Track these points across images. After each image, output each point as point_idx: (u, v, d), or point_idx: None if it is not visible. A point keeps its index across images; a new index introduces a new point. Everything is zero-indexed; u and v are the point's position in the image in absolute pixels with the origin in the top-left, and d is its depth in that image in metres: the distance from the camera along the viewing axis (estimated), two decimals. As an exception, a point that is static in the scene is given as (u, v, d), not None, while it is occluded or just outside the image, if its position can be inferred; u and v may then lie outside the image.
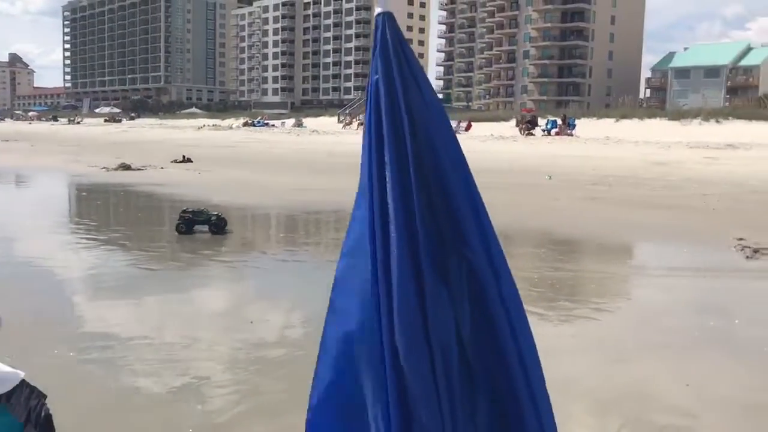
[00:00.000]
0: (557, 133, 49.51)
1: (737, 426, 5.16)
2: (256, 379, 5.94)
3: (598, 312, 8.10)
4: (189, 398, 5.44)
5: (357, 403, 1.74)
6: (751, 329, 7.55)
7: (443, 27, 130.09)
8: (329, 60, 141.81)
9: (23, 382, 1.59)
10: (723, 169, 24.77)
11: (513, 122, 57.76)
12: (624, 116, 55.84)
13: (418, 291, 1.67)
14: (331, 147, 40.00)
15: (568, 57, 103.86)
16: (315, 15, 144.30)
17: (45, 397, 1.61)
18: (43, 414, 1.58)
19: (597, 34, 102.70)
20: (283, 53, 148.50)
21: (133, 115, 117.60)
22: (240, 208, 16.73)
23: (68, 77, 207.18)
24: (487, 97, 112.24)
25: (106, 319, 7.68)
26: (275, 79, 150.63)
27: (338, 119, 79.15)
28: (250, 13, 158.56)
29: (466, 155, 1.78)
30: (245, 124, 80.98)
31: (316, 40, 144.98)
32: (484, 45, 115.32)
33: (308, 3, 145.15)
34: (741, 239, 12.05)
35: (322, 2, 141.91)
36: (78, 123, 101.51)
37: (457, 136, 1.84)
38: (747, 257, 11.01)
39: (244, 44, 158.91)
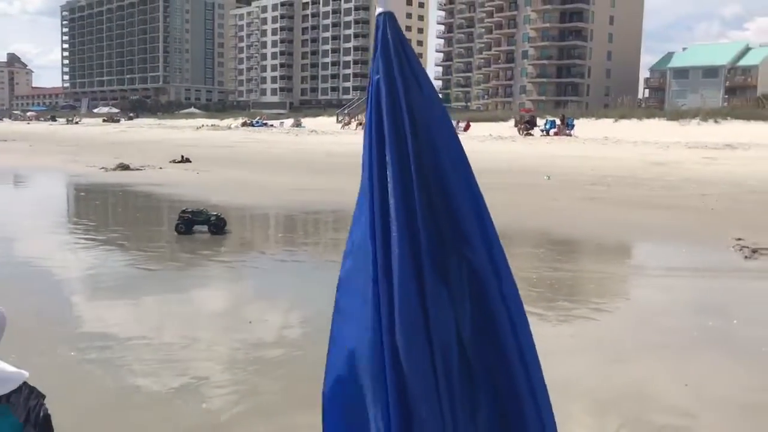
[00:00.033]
0: (556, 134, 49.53)
1: (736, 426, 5.16)
2: (255, 379, 5.94)
3: (597, 312, 8.10)
4: (188, 398, 5.44)
5: (358, 402, 1.75)
6: (749, 329, 7.55)
7: (442, 27, 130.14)
8: (328, 60, 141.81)
9: (23, 382, 1.59)
10: (721, 169, 24.78)
11: (512, 122, 57.78)
12: (623, 116, 55.88)
13: (419, 291, 1.67)
14: (330, 147, 39.99)
15: (566, 57, 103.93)
16: (314, 15, 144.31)
17: (44, 397, 1.61)
18: (42, 414, 1.59)
19: (596, 34, 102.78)
20: (282, 53, 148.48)
21: (131, 115, 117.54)
22: (239, 208, 16.72)
23: (66, 77, 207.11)
24: (486, 97, 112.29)
25: (104, 319, 7.68)
26: (274, 79, 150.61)
27: (337, 119, 79.15)
28: (249, 13, 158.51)
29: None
30: (244, 124, 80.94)
31: (314, 40, 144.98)
32: (483, 45, 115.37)
33: (307, 3, 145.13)
34: (739, 239, 12.05)
35: (321, 2, 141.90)
36: (76, 123, 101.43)
37: (456, 136, 1.84)
38: (745, 257, 11.02)
39: (243, 44, 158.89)
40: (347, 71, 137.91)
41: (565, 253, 12.10)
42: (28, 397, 1.58)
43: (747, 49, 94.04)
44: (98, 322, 7.57)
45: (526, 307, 1.83)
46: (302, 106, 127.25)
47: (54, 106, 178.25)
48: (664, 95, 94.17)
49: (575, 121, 51.70)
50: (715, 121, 48.99)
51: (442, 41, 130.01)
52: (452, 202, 1.73)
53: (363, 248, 1.75)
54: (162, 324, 7.62)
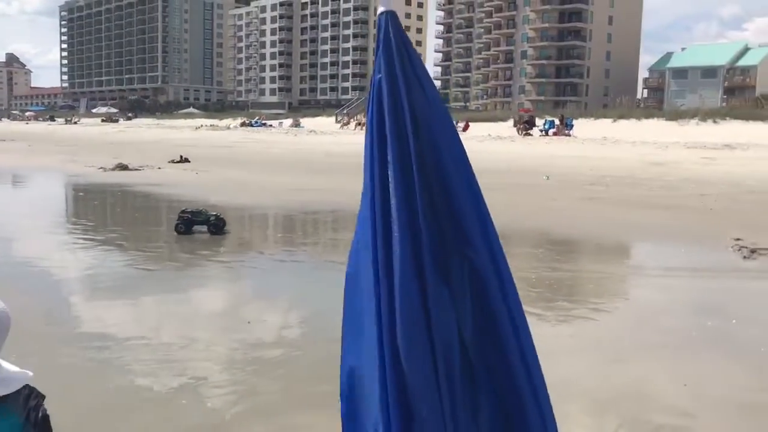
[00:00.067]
0: (555, 134, 49.54)
1: (734, 426, 5.16)
2: (254, 379, 5.93)
3: (596, 312, 8.11)
4: (186, 398, 5.44)
5: (360, 402, 1.75)
6: (748, 329, 7.55)
7: (441, 27, 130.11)
8: (327, 60, 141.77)
9: None
10: (720, 170, 24.79)
11: (511, 122, 57.78)
12: (621, 116, 55.90)
13: (421, 291, 1.67)
14: (329, 147, 39.98)
15: (565, 57, 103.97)
16: (312, 15, 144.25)
17: (44, 397, 1.61)
18: (40, 415, 1.59)
19: (594, 34, 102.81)
20: (281, 53, 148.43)
21: (130, 115, 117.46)
22: (238, 209, 16.72)
23: (65, 77, 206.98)
24: (485, 97, 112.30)
25: (103, 320, 7.68)
26: (273, 79, 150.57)
27: (336, 119, 79.13)
28: (248, 13, 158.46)
29: None
30: (243, 125, 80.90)
31: (313, 40, 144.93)
32: (482, 45, 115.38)
33: (306, 3, 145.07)
34: (738, 239, 12.06)
35: (320, 2, 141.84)
36: (75, 123, 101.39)
37: (455, 136, 1.84)
38: (744, 257, 11.03)
39: (242, 44, 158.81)
40: (346, 71, 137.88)
41: (564, 253, 12.10)
42: (27, 398, 1.58)
43: (746, 50, 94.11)
44: (97, 322, 7.57)
45: (525, 308, 1.84)
46: (301, 106, 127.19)
47: (53, 106, 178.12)
48: (662, 95, 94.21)
49: (574, 121, 51.71)
50: (714, 122, 49.01)
51: (441, 41, 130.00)
52: (454, 202, 1.72)
53: (366, 248, 1.75)
54: (161, 324, 7.62)
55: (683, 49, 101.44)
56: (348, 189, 19.73)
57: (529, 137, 48.72)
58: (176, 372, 6.00)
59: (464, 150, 1.79)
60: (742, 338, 7.24)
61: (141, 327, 7.43)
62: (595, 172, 24.36)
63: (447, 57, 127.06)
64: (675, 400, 5.50)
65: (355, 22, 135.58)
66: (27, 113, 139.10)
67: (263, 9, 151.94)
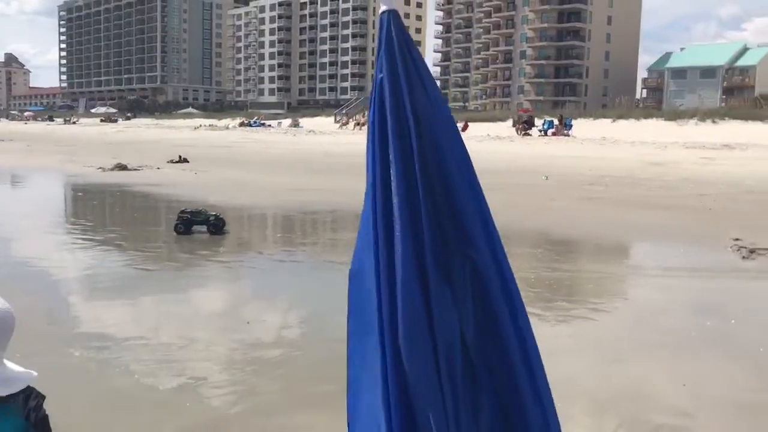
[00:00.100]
0: (554, 134, 49.56)
1: (733, 426, 5.16)
2: (253, 379, 5.93)
3: (595, 312, 8.11)
4: (185, 399, 5.43)
5: (365, 401, 1.75)
6: (747, 329, 7.56)
7: (440, 27, 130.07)
8: (326, 60, 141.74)
9: None
10: (719, 170, 24.81)
11: (510, 122, 57.79)
12: (620, 116, 55.91)
13: (423, 290, 1.67)
14: (328, 147, 39.98)
15: (564, 57, 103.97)
16: (311, 15, 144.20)
17: (44, 398, 1.61)
18: (39, 415, 1.58)
19: (593, 34, 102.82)
20: (280, 53, 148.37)
21: (129, 115, 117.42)
22: (237, 209, 16.71)
23: (64, 77, 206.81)
24: (484, 97, 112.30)
25: (102, 320, 7.67)
26: (272, 79, 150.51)
27: (335, 119, 79.12)
28: (247, 13, 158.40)
29: None
30: (242, 125, 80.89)
31: (312, 40, 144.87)
32: (481, 45, 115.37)
33: (305, 3, 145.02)
34: (737, 239, 12.07)
35: (319, 2, 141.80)
36: (74, 123, 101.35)
37: (455, 136, 1.83)
38: (743, 257, 11.03)
39: (241, 44, 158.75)
40: (345, 71, 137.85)
41: (563, 253, 12.10)
42: (28, 398, 1.58)
43: (745, 50, 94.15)
44: (96, 323, 7.56)
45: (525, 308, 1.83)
46: (300, 107, 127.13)
47: (51, 106, 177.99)
48: (661, 95, 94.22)
49: (573, 122, 51.73)
50: (713, 122, 49.04)
51: (440, 41, 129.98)
52: (456, 201, 1.72)
53: (368, 246, 1.75)
54: (160, 324, 7.61)
55: (682, 49, 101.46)
56: (347, 189, 19.72)
57: (528, 137, 48.74)
58: (175, 372, 6.00)
59: (466, 150, 1.78)
60: (741, 338, 7.25)
61: (140, 327, 7.42)
62: (594, 172, 24.37)
63: (446, 57, 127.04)
64: (674, 400, 5.51)
65: (354, 22, 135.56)
66: (26, 113, 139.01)
67: (262, 9, 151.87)
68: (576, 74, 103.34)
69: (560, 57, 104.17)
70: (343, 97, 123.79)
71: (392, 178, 1.70)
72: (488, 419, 1.72)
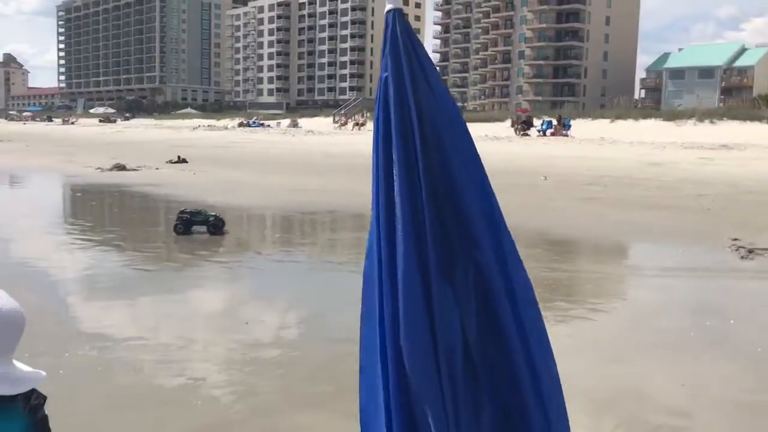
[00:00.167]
0: (552, 134, 49.60)
1: (732, 426, 5.17)
2: (252, 379, 5.93)
3: (593, 312, 8.12)
4: (184, 399, 5.43)
5: (372, 400, 1.76)
6: (746, 329, 7.56)
7: (438, 27, 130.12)
8: (324, 60, 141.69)
9: None
10: (717, 170, 24.83)
11: (508, 123, 57.84)
12: (619, 117, 55.98)
13: (425, 290, 1.66)
14: (327, 147, 39.99)
15: (563, 57, 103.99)
16: (310, 15, 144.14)
17: (45, 398, 1.61)
18: (39, 415, 1.59)
19: (592, 34, 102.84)
20: (279, 53, 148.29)
21: (127, 115, 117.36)
22: (236, 209, 16.70)
23: (63, 77, 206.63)
24: (483, 97, 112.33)
25: (101, 320, 7.67)
26: (270, 80, 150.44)
27: (333, 119, 79.13)
28: (245, 14, 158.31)
29: None
30: (240, 125, 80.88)
31: (311, 41, 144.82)
32: (480, 45, 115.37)
33: (303, 3, 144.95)
34: (736, 239, 12.08)
35: (318, 2, 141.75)
36: (72, 123, 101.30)
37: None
38: (742, 257, 11.04)
39: (239, 44, 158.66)
40: (344, 71, 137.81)
41: (562, 253, 12.11)
42: (29, 398, 1.58)
43: (743, 50, 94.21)
44: (95, 323, 7.56)
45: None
46: (299, 107, 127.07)
47: (50, 107, 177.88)
48: (660, 96, 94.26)
49: (572, 122, 51.79)
50: (711, 122, 49.09)
51: (438, 41, 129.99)
52: (460, 201, 1.71)
53: (372, 246, 1.75)
54: (159, 325, 7.61)
55: (680, 49, 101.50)
56: (346, 189, 19.73)
57: (527, 137, 48.77)
58: (174, 372, 6.00)
59: (474, 148, 1.77)
60: (740, 339, 7.25)
61: (139, 327, 7.42)
62: (593, 173, 24.38)
63: (444, 57, 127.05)
64: (673, 400, 5.51)
65: (353, 22, 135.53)
66: (24, 113, 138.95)
67: (261, 9, 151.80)
68: (574, 74, 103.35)
69: (559, 57, 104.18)
70: (341, 97, 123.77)
71: (395, 177, 1.69)
72: (489, 419, 1.72)
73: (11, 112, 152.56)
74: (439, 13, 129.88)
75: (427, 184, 1.68)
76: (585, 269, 10.96)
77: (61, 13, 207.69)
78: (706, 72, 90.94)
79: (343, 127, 70.55)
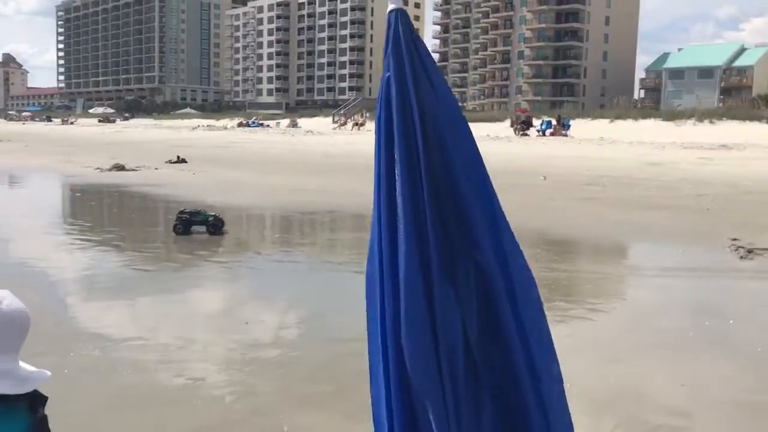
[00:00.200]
0: (552, 134, 49.60)
1: (731, 426, 5.17)
2: (252, 379, 5.93)
3: (593, 312, 8.12)
4: (185, 399, 5.43)
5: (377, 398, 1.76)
6: (745, 329, 7.57)
7: (438, 27, 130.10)
8: (324, 60, 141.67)
9: None
10: (717, 170, 24.84)
11: (507, 123, 57.85)
12: (618, 117, 55.99)
13: (426, 290, 1.66)
14: (326, 148, 39.99)
15: (562, 57, 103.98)
16: (309, 15, 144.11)
17: (46, 399, 1.61)
18: (39, 415, 1.59)
19: (591, 34, 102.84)
20: (278, 53, 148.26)
21: (127, 115, 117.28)
22: (235, 209, 16.70)
23: (62, 77, 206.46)
24: (482, 97, 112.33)
25: (100, 320, 7.67)
26: (270, 80, 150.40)
27: (333, 120, 79.13)
28: (245, 14, 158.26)
29: None
30: (240, 125, 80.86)
31: (310, 41, 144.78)
32: (479, 45, 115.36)
33: (303, 3, 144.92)
34: (735, 239, 12.08)
35: (317, 2, 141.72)
36: (72, 123, 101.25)
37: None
38: (741, 257, 11.04)
39: (239, 44, 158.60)
40: (343, 72, 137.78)
41: (561, 253, 12.11)
42: (32, 397, 1.58)
43: (742, 50, 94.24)
44: (94, 323, 7.56)
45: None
46: (298, 107, 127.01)
47: (49, 107, 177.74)
48: (659, 96, 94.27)
49: (571, 122, 51.79)
50: (711, 122, 49.11)
51: (438, 41, 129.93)
52: (462, 201, 1.71)
53: (374, 246, 1.75)
54: (158, 325, 7.61)
55: (680, 49, 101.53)
56: (345, 189, 19.73)
57: (526, 137, 48.78)
58: (174, 373, 6.00)
59: (476, 148, 1.77)
60: (739, 339, 7.26)
61: (138, 328, 7.42)
62: (593, 173, 24.39)
63: (444, 57, 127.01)
64: (672, 400, 5.51)
65: (352, 22, 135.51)
66: (24, 114, 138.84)
67: (260, 9, 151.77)
68: (574, 74, 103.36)
69: (558, 57, 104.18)
70: (341, 97, 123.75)
71: (397, 177, 1.69)
72: (490, 419, 1.72)
73: (10, 112, 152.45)
74: (439, 13, 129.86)
75: (429, 184, 1.68)
76: (584, 269, 10.96)
77: (60, 13, 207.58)
78: (706, 72, 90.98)
79: (342, 127, 70.54)
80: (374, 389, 1.79)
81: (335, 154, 35.00)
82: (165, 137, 54.41)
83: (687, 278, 10.13)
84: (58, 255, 11.46)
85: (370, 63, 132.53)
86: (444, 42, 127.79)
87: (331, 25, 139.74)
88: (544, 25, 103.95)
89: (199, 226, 13.07)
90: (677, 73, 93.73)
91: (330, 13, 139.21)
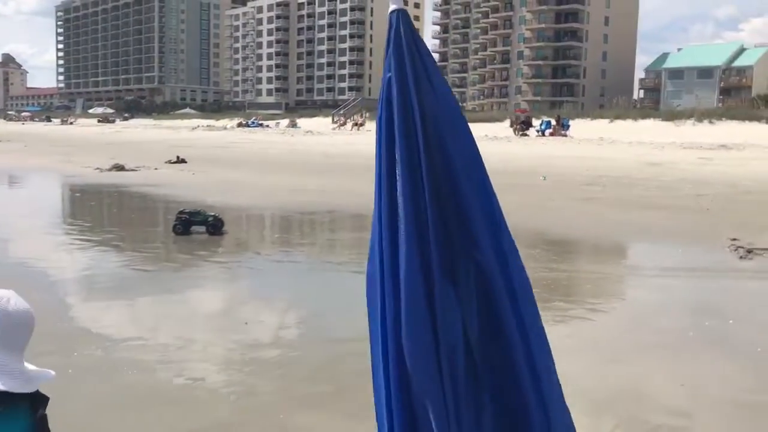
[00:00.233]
0: (551, 134, 49.61)
1: (731, 426, 5.17)
2: (251, 379, 5.93)
3: (592, 312, 8.12)
4: (184, 399, 5.43)
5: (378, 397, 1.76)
6: (745, 329, 7.57)
7: (437, 28, 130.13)
8: (323, 60, 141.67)
9: None
10: (717, 170, 24.85)
11: (507, 123, 57.85)
12: (618, 117, 56.02)
13: (427, 290, 1.66)
14: (326, 148, 40.00)
15: (562, 58, 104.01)
16: (309, 15, 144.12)
17: (47, 399, 1.61)
18: (38, 415, 1.59)
19: (591, 34, 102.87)
20: (278, 54, 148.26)
21: (126, 115, 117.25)
22: (235, 209, 16.70)
23: (61, 77, 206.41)
24: (482, 97, 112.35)
25: (100, 320, 7.67)
26: (269, 80, 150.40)
27: (332, 120, 79.13)
28: (244, 14, 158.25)
29: None
30: (239, 125, 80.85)
31: (310, 41, 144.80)
32: (478, 46, 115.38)
33: (302, 3, 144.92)
34: (734, 239, 12.08)
35: (317, 3, 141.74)
36: (71, 124, 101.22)
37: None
38: (740, 257, 11.05)
39: (238, 44, 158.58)
40: (342, 72, 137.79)
41: (560, 253, 12.11)
42: (35, 397, 1.58)
43: (741, 50, 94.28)
44: (93, 323, 7.55)
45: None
46: (298, 107, 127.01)
47: (49, 107, 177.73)
48: (659, 96, 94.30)
49: (570, 122, 51.80)
50: (710, 122, 49.14)
51: (437, 42, 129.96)
52: (462, 201, 1.71)
53: (374, 246, 1.75)
54: (158, 325, 7.61)
55: (679, 49, 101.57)
56: (345, 189, 19.73)
57: (526, 137, 48.79)
58: (174, 373, 6.00)
59: (476, 149, 1.77)
60: (739, 339, 7.26)
61: (138, 328, 7.42)
62: (592, 173, 24.39)
63: (443, 57, 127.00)
64: (672, 400, 5.51)
65: (352, 22, 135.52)
66: (23, 114, 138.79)
67: (260, 9, 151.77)
68: (573, 75, 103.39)
69: (558, 57, 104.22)
70: (340, 97, 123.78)
71: (398, 177, 1.69)
72: (491, 419, 1.72)
73: (10, 113, 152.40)
74: (438, 14, 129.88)
75: (429, 184, 1.68)
76: (584, 269, 10.96)
77: (59, 14, 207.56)
78: (705, 72, 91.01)
79: (342, 128, 70.54)
80: (376, 388, 1.79)
81: (335, 154, 35.01)
82: (164, 137, 54.40)
83: (687, 278, 10.13)
84: (57, 255, 11.45)
85: (370, 63, 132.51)
86: (443, 42, 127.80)
87: (330, 25, 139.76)
88: (543, 26, 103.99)
89: (198, 226, 13.07)
90: (677, 73, 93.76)
91: (330, 13, 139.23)
